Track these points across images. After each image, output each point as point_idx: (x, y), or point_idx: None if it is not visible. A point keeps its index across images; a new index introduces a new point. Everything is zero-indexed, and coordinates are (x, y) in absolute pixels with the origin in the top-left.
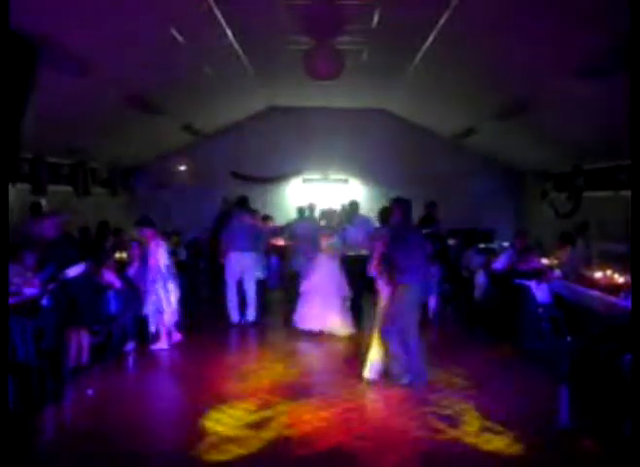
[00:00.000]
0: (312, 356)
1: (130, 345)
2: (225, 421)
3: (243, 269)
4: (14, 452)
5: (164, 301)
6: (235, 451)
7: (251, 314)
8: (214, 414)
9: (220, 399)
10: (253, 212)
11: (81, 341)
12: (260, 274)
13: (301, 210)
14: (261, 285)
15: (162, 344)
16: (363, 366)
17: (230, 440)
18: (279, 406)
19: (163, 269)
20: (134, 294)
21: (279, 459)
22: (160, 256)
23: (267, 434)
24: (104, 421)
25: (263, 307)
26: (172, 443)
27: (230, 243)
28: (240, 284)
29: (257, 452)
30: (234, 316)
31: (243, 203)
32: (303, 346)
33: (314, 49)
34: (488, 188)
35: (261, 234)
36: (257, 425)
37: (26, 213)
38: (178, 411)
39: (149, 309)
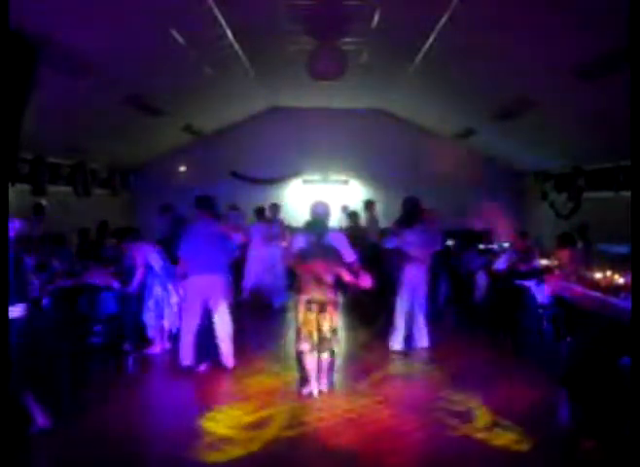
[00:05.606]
0: None
1: (128, 347)
2: (223, 422)
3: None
4: (14, 452)
5: (165, 303)
6: (234, 452)
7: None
8: (212, 415)
9: (218, 400)
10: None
11: None
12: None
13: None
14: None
15: (156, 349)
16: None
17: (229, 440)
18: (279, 406)
19: (159, 271)
20: (131, 295)
21: (279, 459)
22: (152, 259)
23: (267, 434)
24: (104, 422)
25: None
26: (171, 443)
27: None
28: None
29: (257, 452)
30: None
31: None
32: None
33: (317, 49)
34: (488, 188)
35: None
36: (256, 426)
37: (26, 213)
38: (177, 411)
39: (148, 314)
